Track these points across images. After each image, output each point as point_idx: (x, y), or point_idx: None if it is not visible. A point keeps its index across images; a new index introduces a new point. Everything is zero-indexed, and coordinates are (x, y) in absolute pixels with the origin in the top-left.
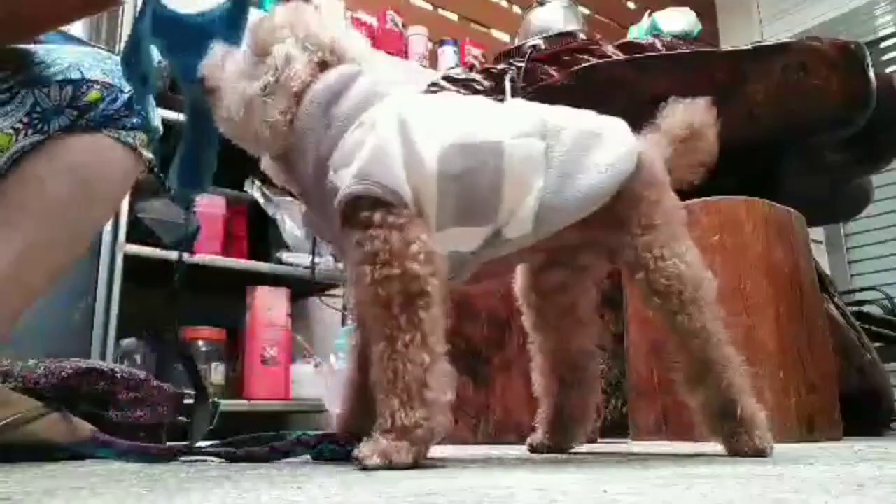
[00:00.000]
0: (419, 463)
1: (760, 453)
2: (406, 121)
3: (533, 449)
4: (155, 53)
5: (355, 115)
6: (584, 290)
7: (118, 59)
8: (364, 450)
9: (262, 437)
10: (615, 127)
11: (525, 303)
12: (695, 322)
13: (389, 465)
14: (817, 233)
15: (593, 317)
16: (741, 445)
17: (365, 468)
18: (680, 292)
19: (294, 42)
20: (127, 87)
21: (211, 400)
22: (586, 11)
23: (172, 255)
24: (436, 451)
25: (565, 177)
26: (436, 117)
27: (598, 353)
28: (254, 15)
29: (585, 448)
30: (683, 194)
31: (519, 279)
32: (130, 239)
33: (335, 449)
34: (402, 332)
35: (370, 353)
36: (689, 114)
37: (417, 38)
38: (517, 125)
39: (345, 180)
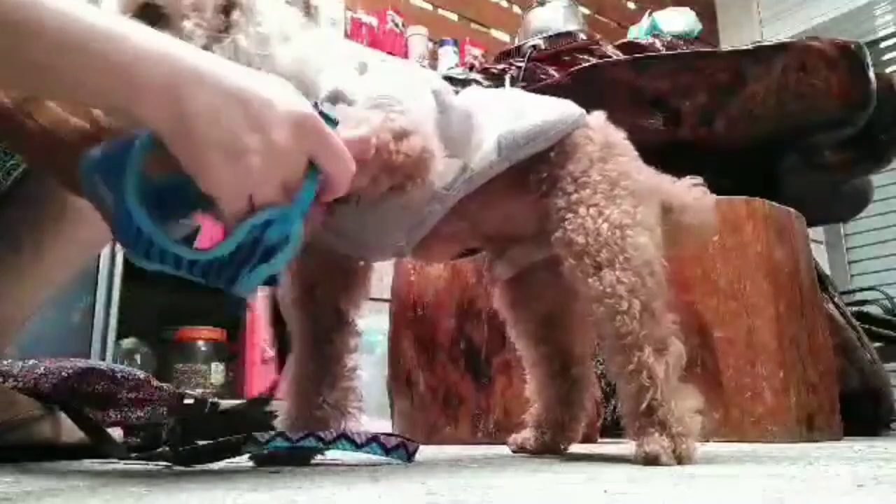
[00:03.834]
0: (418, 462)
1: (678, 460)
2: None
3: (518, 449)
4: None
5: None
6: (563, 293)
7: None
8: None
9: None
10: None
11: (507, 317)
12: (607, 286)
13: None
14: (817, 233)
15: (582, 318)
16: (651, 451)
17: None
18: (597, 252)
19: None
20: None
21: (210, 400)
22: (586, 11)
23: None
24: (436, 451)
25: (516, 114)
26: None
27: (589, 355)
28: None
29: (585, 448)
30: None
31: (495, 295)
32: None
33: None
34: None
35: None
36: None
37: (417, 38)
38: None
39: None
